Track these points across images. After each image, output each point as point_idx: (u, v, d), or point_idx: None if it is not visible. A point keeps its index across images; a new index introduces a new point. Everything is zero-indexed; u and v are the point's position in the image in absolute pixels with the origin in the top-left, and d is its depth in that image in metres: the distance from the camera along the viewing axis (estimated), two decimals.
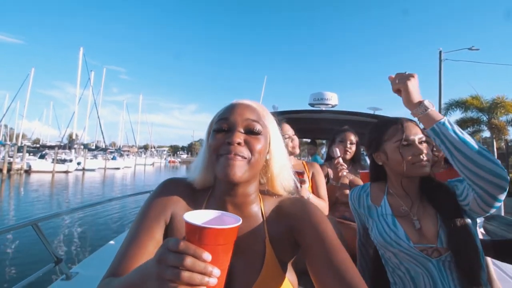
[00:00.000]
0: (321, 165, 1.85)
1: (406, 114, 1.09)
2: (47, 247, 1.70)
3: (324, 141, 6.75)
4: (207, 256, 0.41)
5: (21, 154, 27.03)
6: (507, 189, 0.82)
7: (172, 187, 0.72)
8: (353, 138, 2.10)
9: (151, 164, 56.55)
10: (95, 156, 37.43)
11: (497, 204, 0.84)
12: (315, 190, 1.63)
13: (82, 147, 37.62)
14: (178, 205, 0.70)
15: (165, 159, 73.66)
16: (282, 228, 0.67)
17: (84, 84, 41.65)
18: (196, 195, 0.72)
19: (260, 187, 0.74)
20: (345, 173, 1.73)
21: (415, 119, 0.95)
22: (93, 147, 43.53)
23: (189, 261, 0.40)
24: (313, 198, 1.50)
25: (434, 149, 1.28)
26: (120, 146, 60.85)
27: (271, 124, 0.72)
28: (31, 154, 30.31)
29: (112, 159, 39.90)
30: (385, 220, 1.03)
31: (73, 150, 35.04)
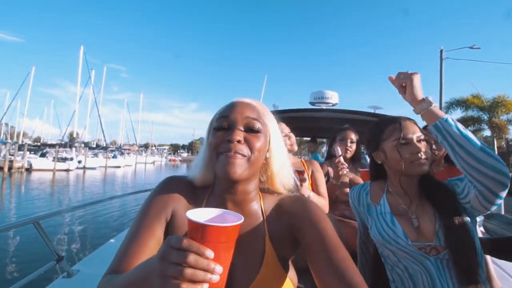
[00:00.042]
0: (321, 164, 1.86)
1: (406, 113, 1.09)
2: (49, 245, 1.71)
3: (324, 140, 6.74)
4: (210, 253, 0.41)
5: (22, 152, 27.07)
6: (508, 186, 0.82)
7: (172, 185, 0.72)
8: (353, 136, 2.10)
9: (151, 163, 56.79)
10: (95, 155, 37.48)
11: (498, 201, 0.84)
12: (314, 188, 1.64)
13: (83, 145, 37.67)
14: (179, 203, 0.70)
15: (165, 157, 73.88)
16: (282, 226, 0.68)
17: (84, 82, 41.75)
18: (197, 193, 0.73)
19: (260, 185, 0.74)
20: (345, 172, 1.74)
21: (415, 118, 0.95)
22: (94, 146, 43.58)
23: (192, 258, 0.40)
24: (313, 196, 1.50)
25: (433, 147, 1.28)
26: (120, 145, 60.84)
27: (271, 122, 0.72)
28: (32, 152, 30.37)
29: (113, 157, 39.94)
30: (384, 218, 1.04)
31: (74, 149, 35.06)
